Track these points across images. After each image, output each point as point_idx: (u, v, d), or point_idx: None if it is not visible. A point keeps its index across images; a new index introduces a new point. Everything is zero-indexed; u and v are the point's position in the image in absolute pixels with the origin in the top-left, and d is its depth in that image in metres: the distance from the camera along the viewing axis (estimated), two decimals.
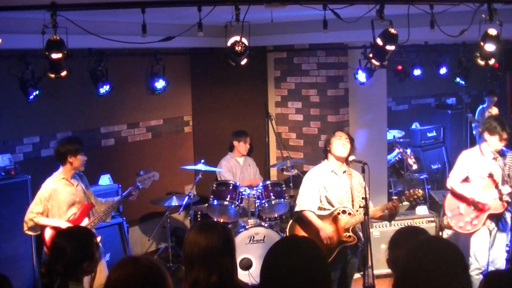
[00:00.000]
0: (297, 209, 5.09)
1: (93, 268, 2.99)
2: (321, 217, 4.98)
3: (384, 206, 5.00)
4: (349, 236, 4.92)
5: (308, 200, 4.98)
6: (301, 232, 5.05)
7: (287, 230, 5.21)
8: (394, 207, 4.90)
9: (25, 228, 4.95)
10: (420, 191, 4.97)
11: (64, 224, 4.85)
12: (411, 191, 4.99)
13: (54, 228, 4.85)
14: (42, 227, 4.91)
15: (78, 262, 2.87)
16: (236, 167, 7.18)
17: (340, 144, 4.98)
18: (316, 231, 4.92)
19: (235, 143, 7.19)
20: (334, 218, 4.94)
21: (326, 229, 4.89)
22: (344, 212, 4.94)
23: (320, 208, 4.99)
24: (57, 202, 4.93)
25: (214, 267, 2.73)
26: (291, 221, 5.24)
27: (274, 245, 2.20)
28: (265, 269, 2.13)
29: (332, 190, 4.97)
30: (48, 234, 4.88)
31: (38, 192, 4.96)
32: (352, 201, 4.97)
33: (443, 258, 2.04)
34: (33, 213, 4.89)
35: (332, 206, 4.97)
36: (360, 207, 4.91)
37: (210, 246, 2.76)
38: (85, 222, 5.02)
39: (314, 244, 2.19)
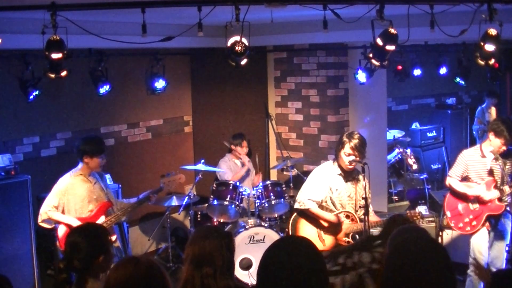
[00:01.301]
0: (297, 206, 5.00)
1: (109, 264, 3.04)
2: None
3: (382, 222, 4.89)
4: (348, 242, 4.88)
5: (312, 198, 4.91)
6: (304, 226, 5.02)
7: (290, 224, 5.14)
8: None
9: (39, 220, 4.97)
10: (417, 210, 5.06)
11: (76, 222, 4.84)
12: (412, 212, 4.95)
13: (67, 225, 4.87)
14: (56, 223, 4.93)
15: (93, 256, 2.96)
16: (235, 169, 7.17)
17: (347, 163, 4.84)
18: (320, 225, 4.91)
19: (233, 147, 7.20)
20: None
21: (334, 219, 4.87)
22: (348, 217, 4.92)
23: (323, 208, 4.96)
24: (73, 197, 4.96)
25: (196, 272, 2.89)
26: (294, 214, 5.16)
27: (271, 245, 2.21)
28: (262, 268, 2.13)
29: (338, 193, 4.93)
30: (61, 231, 4.91)
31: (55, 186, 4.99)
32: (355, 206, 4.94)
33: (425, 257, 2.05)
34: (48, 206, 4.91)
35: (335, 207, 4.95)
36: (360, 207, 4.90)
37: (189, 252, 2.95)
38: (101, 220, 5.03)
39: (311, 244, 2.20)
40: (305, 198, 4.93)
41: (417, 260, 2.04)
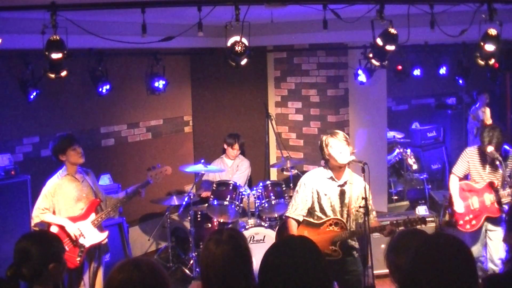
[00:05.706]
0: (292, 215, 4.72)
1: (60, 272, 2.92)
2: (311, 225, 4.66)
3: (382, 227, 4.61)
4: (335, 250, 4.57)
5: (296, 207, 4.67)
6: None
7: (276, 233, 5.00)
8: (392, 232, 4.51)
9: (32, 224, 4.99)
10: (417, 212, 4.82)
11: (68, 223, 4.89)
12: (411, 217, 4.60)
13: (59, 226, 4.89)
14: (49, 224, 4.95)
15: (43, 264, 2.82)
16: (224, 168, 7.15)
17: (338, 153, 4.52)
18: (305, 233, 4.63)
19: (225, 146, 7.20)
20: (323, 229, 4.64)
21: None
22: (336, 224, 4.62)
23: (312, 215, 4.70)
24: (62, 197, 4.98)
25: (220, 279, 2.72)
26: (277, 227, 5.01)
27: (272, 245, 2.20)
28: (263, 269, 2.13)
29: (327, 198, 4.63)
30: (53, 231, 4.90)
31: (43, 188, 5.00)
32: (348, 211, 4.64)
33: (448, 255, 2.01)
34: (40, 209, 4.93)
35: (325, 214, 4.64)
36: (360, 207, 4.73)
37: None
38: (92, 218, 5.05)
39: (312, 243, 2.19)
40: (291, 208, 4.71)
41: (444, 258, 2.00)
